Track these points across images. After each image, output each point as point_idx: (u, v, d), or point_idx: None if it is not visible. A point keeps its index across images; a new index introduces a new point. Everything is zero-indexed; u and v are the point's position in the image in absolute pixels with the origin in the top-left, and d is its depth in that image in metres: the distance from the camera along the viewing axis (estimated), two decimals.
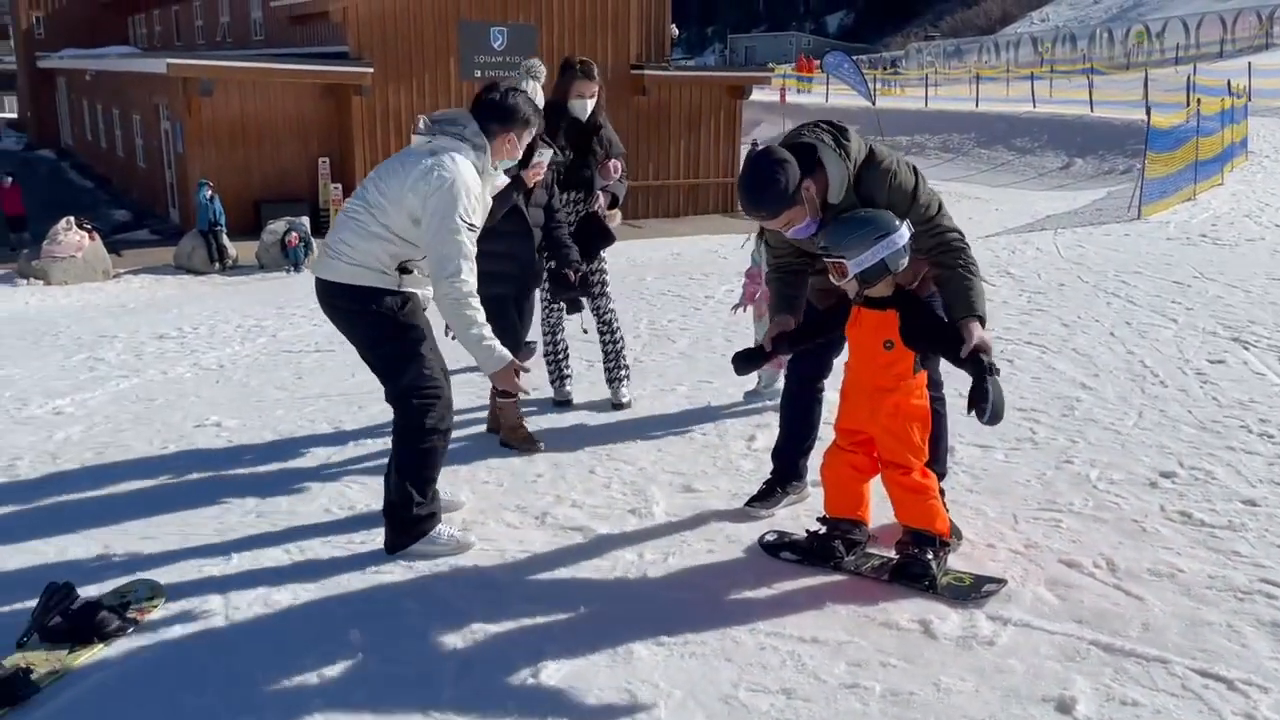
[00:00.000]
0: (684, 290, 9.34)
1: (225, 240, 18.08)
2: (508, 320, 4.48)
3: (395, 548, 3.71)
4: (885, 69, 49.08)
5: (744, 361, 3.66)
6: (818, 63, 42.73)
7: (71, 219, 17.49)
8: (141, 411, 5.91)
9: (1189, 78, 25.77)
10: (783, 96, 37.05)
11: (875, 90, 35.56)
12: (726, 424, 5.14)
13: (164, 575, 3.60)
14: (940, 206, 3.41)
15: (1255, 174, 18.17)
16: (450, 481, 4.28)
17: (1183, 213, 13.55)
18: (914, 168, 3.42)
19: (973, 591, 3.32)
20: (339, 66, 20.77)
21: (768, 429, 5.00)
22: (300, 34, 23.22)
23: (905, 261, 3.33)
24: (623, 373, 5.51)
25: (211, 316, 9.56)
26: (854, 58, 37.12)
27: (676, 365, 6.37)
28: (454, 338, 3.74)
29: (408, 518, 3.69)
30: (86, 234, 17.40)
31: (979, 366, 3.18)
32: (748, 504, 4.03)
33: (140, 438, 5.34)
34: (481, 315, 3.60)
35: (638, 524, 3.96)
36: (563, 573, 3.59)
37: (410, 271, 3.65)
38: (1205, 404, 5.29)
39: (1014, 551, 3.63)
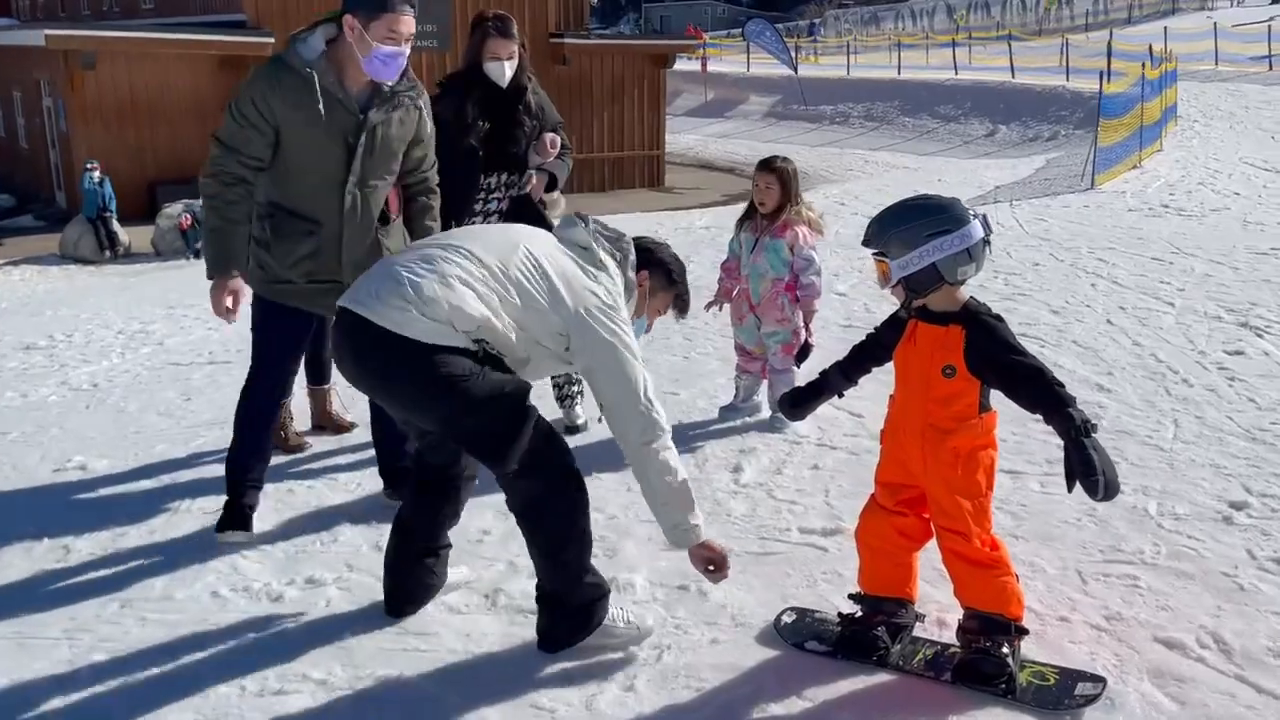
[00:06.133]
0: None
1: (116, 226, 16.69)
2: None
3: (567, 644, 2.83)
4: (803, 36, 48.47)
5: (794, 406, 2.93)
6: (705, 35, 42.01)
7: None
8: None
9: (1108, 44, 25.57)
10: (704, 66, 36.31)
11: (796, 58, 35.01)
12: (704, 450, 4.31)
13: None
14: None
15: (1191, 139, 17.88)
16: (375, 544, 3.39)
17: (1134, 181, 13.07)
18: None
19: (1064, 696, 2.56)
20: (236, 36, 19.38)
21: (753, 455, 4.21)
22: (194, 3, 21.65)
23: (971, 270, 2.55)
24: (575, 388, 4.67)
25: (91, 319, 8.40)
26: (774, 25, 36.58)
27: None
28: None
29: (582, 603, 2.81)
30: None
31: (1070, 423, 2.39)
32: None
33: None
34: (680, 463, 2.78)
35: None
36: (522, 685, 2.72)
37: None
38: (1243, 406, 4.64)
39: (1095, 627, 2.89)
